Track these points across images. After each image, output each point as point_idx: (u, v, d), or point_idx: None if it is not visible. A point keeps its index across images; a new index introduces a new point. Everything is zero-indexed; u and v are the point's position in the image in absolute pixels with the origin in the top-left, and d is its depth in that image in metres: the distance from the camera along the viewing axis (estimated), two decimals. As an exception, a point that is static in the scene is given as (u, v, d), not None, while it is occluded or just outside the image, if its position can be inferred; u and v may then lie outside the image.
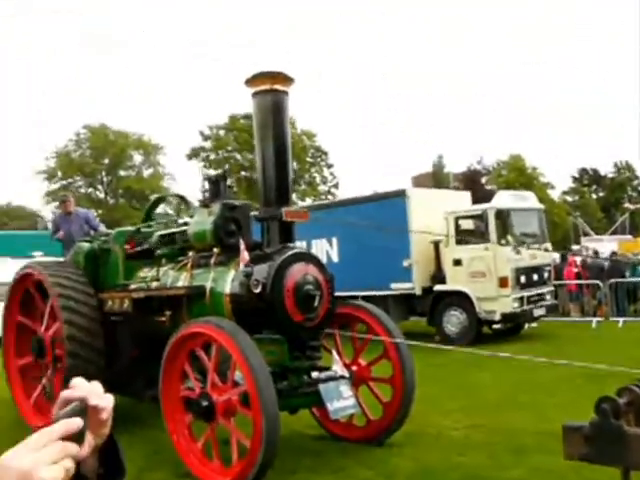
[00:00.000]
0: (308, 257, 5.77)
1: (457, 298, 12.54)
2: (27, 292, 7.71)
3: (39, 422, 7.05)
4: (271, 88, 5.81)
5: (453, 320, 12.61)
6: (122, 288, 7.01)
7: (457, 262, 12.71)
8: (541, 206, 14.08)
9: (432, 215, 12.92)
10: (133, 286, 6.97)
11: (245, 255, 5.44)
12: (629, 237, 41.04)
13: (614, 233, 44.58)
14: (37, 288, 7.48)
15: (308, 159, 49.07)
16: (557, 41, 74.26)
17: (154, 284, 6.65)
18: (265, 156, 5.84)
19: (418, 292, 12.81)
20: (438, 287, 12.77)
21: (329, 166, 46.17)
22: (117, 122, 63.28)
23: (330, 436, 6.40)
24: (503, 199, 13.09)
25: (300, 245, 5.91)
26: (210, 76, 70.98)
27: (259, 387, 4.76)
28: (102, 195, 47.29)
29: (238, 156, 46.90)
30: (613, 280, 15.83)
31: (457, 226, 12.91)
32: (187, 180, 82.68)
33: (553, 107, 72.08)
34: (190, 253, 6.35)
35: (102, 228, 9.95)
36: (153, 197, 9.08)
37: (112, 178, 47.79)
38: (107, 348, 6.90)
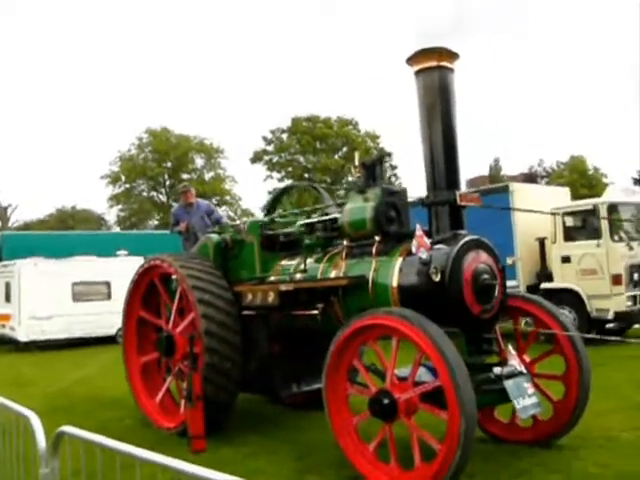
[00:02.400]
0: (483, 245, 5.36)
1: (566, 296, 11.93)
2: (151, 286, 7.44)
3: (168, 423, 6.80)
4: (437, 65, 5.43)
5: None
6: (260, 281, 6.73)
7: (566, 259, 12.13)
8: (651, 201, 13.31)
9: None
10: (272, 278, 6.67)
11: (425, 241, 5.02)
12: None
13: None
14: (163, 281, 7.25)
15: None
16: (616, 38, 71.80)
17: (299, 276, 6.30)
18: (433, 138, 5.46)
19: (523, 290, 12.23)
20: (546, 285, 12.16)
21: (393, 167, 45.83)
22: (179, 125, 64.15)
23: (489, 437, 5.90)
24: (615, 193, 12.41)
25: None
26: (273, 79, 70.89)
27: (457, 383, 4.32)
28: (164, 198, 47.64)
29: (301, 159, 46.88)
30: None
31: (564, 222, 12.28)
32: (250, 183, 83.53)
33: (615, 105, 69.88)
34: (344, 242, 5.94)
35: (224, 220, 9.75)
36: (279, 187, 8.88)
37: (174, 181, 48.16)
38: (243, 345, 6.61)
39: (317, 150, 47.90)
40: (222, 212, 9.77)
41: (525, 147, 72.20)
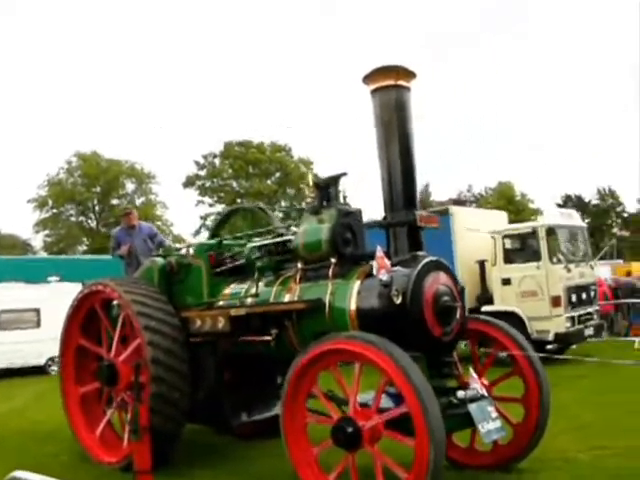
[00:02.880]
0: (442, 266, 5.30)
1: (507, 318, 11.94)
2: (91, 312, 7.12)
3: (109, 458, 6.51)
4: (395, 84, 5.37)
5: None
6: (208, 306, 6.50)
7: (506, 281, 12.29)
8: (584, 224, 13.72)
9: (475, 234, 12.53)
10: (221, 303, 6.46)
11: (386, 262, 4.89)
12: (620, 261, 41.18)
13: (602, 259, 44.79)
14: (104, 308, 6.98)
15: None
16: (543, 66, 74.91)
17: (250, 300, 6.12)
18: (390, 158, 5.40)
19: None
20: (487, 308, 12.27)
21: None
22: (109, 150, 62.99)
23: (449, 463, 5.78)
24: (552, 217, 12.71)
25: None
26: (206, 103, 70.68)
27: (425, 408, 4.19)
28: (94, 224, 46.43)
29: (234, 184, 46.73)
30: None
31: (504, 244, 12.49)
32: (182, 209, 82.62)
33: (539, 133, 72.82)
34: (298, 265, 5.76)
35: (167, 243, 9.47)
36: (224, 210, 8.70)
37: (104, 207, 47.08)
38: (191, 373, 6.36)
39: (250, 175, 47.95)
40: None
41: (454, 172, 74.32)
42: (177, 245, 8.25)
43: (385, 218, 5.44)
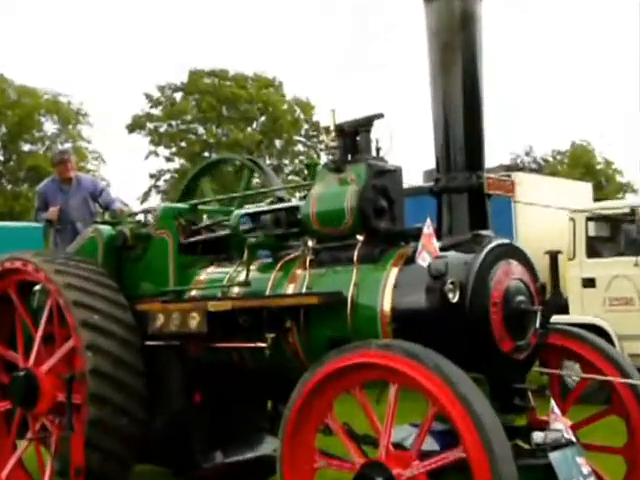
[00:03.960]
0: (516, 253, 5.32)
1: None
2: (1, 301, 7.18)
3: None
4: (461, -12, 5.32)
5: (578, 367, 12.08)
6: (176, 296, 6.58)
7: (588, 283, 12.29)
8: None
9: (547, 213, 12.48)
10: (194, 293, 6.52)
11: (435, 244, 4.87)
12: None
13: None
14: (21, 294, 7.03)
15: (299, 138, 49.22)
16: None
17: (237, 290, 6.19)
18: (448, 96, 5.39)
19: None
20: (559, 317, 12.24)
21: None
22: (23, 74, 62.81)
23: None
24: (658, 193, 12.69)
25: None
26: (164, 18, 71.01)
27: (494, 455, 4.16)
28: (-5, 177, 46.67)
29: (200, 129, 46.72)
30: None
31: (587, 230, 12.48)
32: (125, 163, 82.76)
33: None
34: (309, 243, 5.85)
35: (118, 204, 9.52)
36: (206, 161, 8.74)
37: (10, 154, 47.11)
38: (148, 391, 6.43)
39: (224, 119, 47.92)
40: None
41: (509, 130, 74.54)
42: (132, 209, 8.23)
43: (437, 181, 5.45)
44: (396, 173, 5.84)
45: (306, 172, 7.25)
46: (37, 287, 6.91)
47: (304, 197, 6.13)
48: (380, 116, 5.78)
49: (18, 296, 6.99)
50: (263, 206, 6.61)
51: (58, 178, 9.74)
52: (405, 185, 6.03)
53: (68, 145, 47.24)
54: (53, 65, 69.98)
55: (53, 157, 10.79)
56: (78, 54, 73.45)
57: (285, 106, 48.18)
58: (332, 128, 5.88)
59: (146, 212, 7.31)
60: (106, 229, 7.15)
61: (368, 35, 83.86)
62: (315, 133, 50.04)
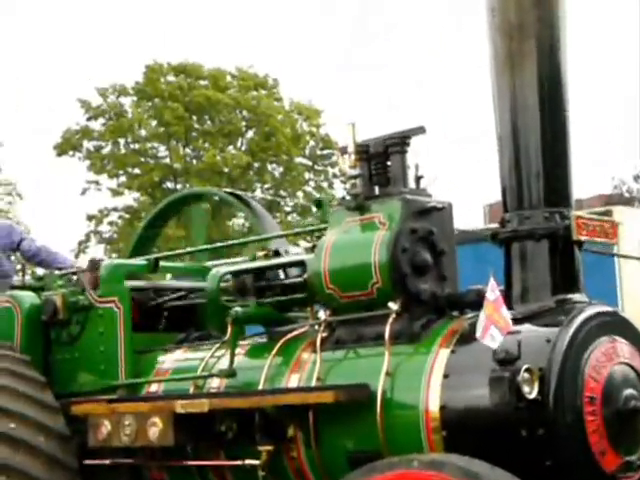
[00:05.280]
0: (621, 324, 5.33)
1: None
2: None
3: None
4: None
5: None
6: (129, 392, 6.69)
7: None
8: None
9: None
10: (154, 388, 6.61)
11: (505, 314, 4.90)
12: None
13: None
14: None
15: (303, 159, 49.23)
16: None
17: (216, 384, 6.27)
18: (519, 100, 5.48)
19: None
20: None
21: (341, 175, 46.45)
22: None
23: None
24: None
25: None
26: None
27: None
28: None
29: (161, 149, 46.83)
30: None
31: None
32: (52, 200, 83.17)
33: None
34: (321, 314, 5.94)
35: (59, 258, 9.48)
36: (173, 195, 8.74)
37: None
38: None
39: (195, 134, 48.00)
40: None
41: (610, 148, 74.83)
42: (62, 269, 8.21)
43: (503, 223, 5.51)
44: (445, 212, 5.88)
45: (314, 210, 7.26)
46: None
47: (312, 248, 6.18)
48: (420, 131, 5.81)
49: None
50: (253, 261, 6.65)
51: None
52: (458, 229, 6.03)
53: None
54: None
55: None
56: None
57: (282, 115, 48.02)
58: (351, 148, 5.89)
59: (83, 272, 7.28)
60: (27, 297, 7.20)
61: (368, 35, 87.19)
62: (325, 152, 50.02)
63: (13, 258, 9.63)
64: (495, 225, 5.70)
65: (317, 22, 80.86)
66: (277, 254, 6.57)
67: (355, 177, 5.87)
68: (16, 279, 8.09)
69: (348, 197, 5.94)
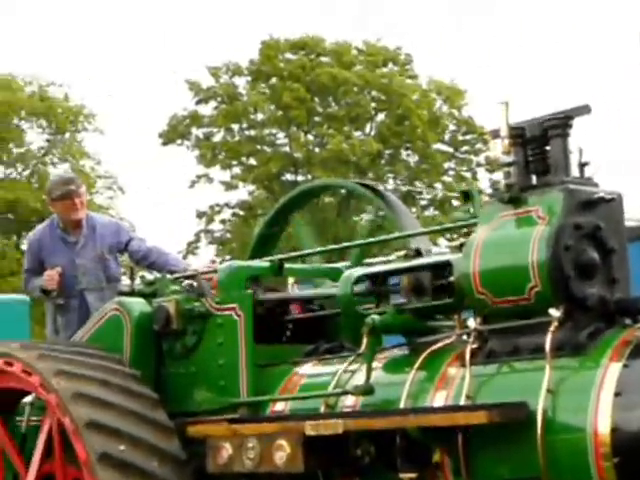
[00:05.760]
0: None
1: None
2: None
3: None
4: None
5: None
6: (252, 411, 6.75)
7: None
8: None
9: None
10: (280, 407, 6.64)
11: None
12: None
13: None
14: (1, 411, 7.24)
15: (442, 146, 49.00)
16: None
17: (350, 402, 6.27)
18: None
19: None
20: None
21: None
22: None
23: None
24: None
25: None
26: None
27: None
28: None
29: (280, 136, 46.95)
30: None
31: None
32: (155, 195, 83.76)
33: None
34: (470, 322, 5.93)
35: (169, 258, 9.56)
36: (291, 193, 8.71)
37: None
38: None
39: (317, 118, 48.02)
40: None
41: None
42: (175, 272, 8.25)
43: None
44: (614, 204, 5.82)
45: (459, 203, 7.23)
46: (26, 399, 7.12)
47: (460, 247, 6.17)
48: (585, 110, 5.77)
49: (-2, 419, 7.15)
50: (390, 262, 6.64)
51: (59, 222, 9.88)
52: (630, 223, 5.95)
53: (64, 167, 48.03)
54: (42, 49, 72.22)
55: (51, 188, 10.58)
56: (80, 33, 75.79)
57: (417, 94, 47.81)
58: (504, 132, 5.87)
59: (198, 276, 7.38)
60: (137, 304, 7.30)
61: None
62: (468, 137, 49.66)
63: (121, 260, 9.74)
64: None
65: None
66: (419, 254, 6.53)
67: (509, 165, 5.84)
68: (124, 284, 8.09)
69: (501, 189, 5.87)
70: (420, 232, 7.18)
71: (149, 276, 8.66)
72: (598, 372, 5.32)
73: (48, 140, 49.25)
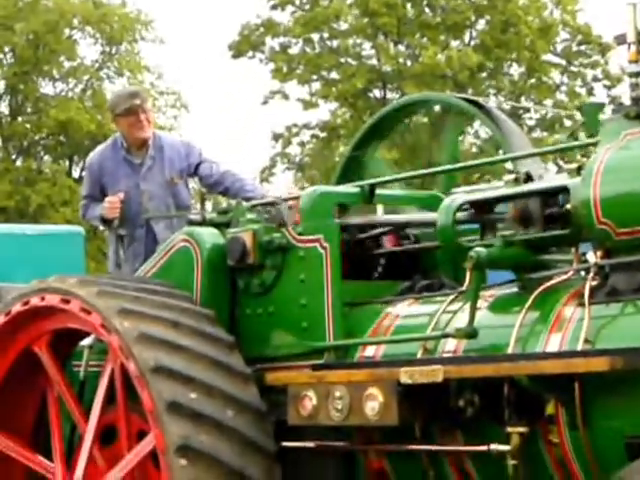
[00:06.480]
0: None
1: None
2: (19, 366, 7.50)
3: None
4: None
5: None
6: (339, 358, 6.79)
7: None
8: None
9: None
10: (371, 352, 6.66)
11: None
12: None
13: None
14: (58, 353, 7.34)
15: (553, 58, 48.70)
16: None
17: (452, 346, 6.27)
18: None
19: None
20: None
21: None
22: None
23: None
24: None
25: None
26: None
27: None
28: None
29: (366, 46, 46.85)
30: None
31: None
32: (226, 112, 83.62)
33: None
34: (590, 256, 5.94)
35: (249, 186, 9.60)
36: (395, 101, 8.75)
37: (22, 101, 48.38)
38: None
39: (408, 27, 47.86)
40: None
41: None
42: (251, 199, 8.27)
43: None
44: None
45: (577, 121, 7.18)
46: (86, 341, 7.25)
47: (578, 170, 6.13)
48: None
49: (52, 357, 7.27)
50: (498, 187, 6.62)
51: (123, 142, 9.96)
52: None
53: (121, 83, 48.29)
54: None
55: (114, 103, 10.72)
56: None
57: (543, 17, 47.36)
58: (631, 37, 5.82)
59: (278, 203, 7.42)
60: (209, 235, 7.36)
61: None
62: (583, 48, 49.19)
63: (192, 185, 9.76)
64: None
65: None
66: (530, 179, 6.48)
67: (637, 75, 5.80)
68: (195, 212, 8.13)
69: (627, 104, 5.83)
70: (531, 153, 7.11)
71: (223, 203, 8.65)
72: None
73: (103, 52, 49.31)
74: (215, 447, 6.33)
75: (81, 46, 49.34)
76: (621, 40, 5.74)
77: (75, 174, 46.76)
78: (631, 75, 5.71)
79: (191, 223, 7.74)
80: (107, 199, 9.45)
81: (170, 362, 6.50)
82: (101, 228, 9.69)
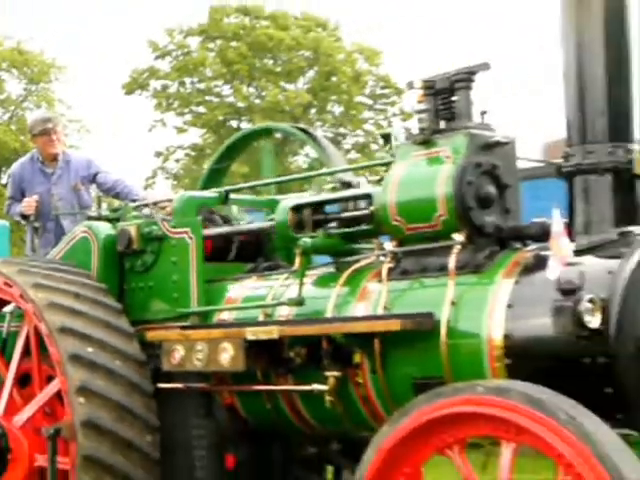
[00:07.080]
0: None
1: None
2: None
3: None
4: None
5: None
6: (201, 319, 6.75)
7: None
8: None
9: None
10: (225, 315, 6.67)
11: (566, 246, 4.84)
12: None
13: None
14: None
15: (363, 99, 49.04)
16: None
17: (286, 312, 6.27)
18: (585, 35, 5.39)
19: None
20: None
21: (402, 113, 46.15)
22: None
23: None
24: None
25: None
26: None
27: None
28: None
29: (225, 88, 46.78)
30: None
31: None
32: (119, 138, 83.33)
33: None
34: (386, 245, 5.92)
35: (134, 191, 9.53)
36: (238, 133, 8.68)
37: None
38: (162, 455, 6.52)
39: (257, 73, 47.85)
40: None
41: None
42: (136, 201, 8.24)
43: (567, 157, 5.41)
44: (509, 147, 5.81)
45: (378, 147, 7.22)
46: (7, 308, 7.13)
47: (379, 181, 6.16)
48: (484, 67, 5.75)
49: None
50: (321, 194, 6.66)
51: (39, 156, 9.78)
52: (520, 164, 5.97)
53: (40, 111, 47.73)
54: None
55: (32, 125, 10.55)
56: None
57: (342, 55, 47.70)
58: (417, 84, 5.87)
59: (156, 204, 7.41)
60: (103, 227, 7.26)
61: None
62: (385, 91, 49.78)
63: (92, 190, 9.71)
64: (558, 161, 5.60)
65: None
66: (349, 186, 6.55)
67: (422, 112, 5.84)
68: (93, 210, 8.11)
69: (415, 132, 5.88)
70: (346, 168, 7.21)
71: (115, 204, 8.65)
72: (493, 287, 5.35)
73: (25, 89, 49.35)
74: (107, 388, 6.28)
75: (8, 83, 49.14)
76: (411, 86, 5.81)
77: (2, 182, 46.32)
78: (418, 112, 5.74)
79: (90, 218, 7.62)
80: (25, 200, 9.35)
81: (72, 324, 6.43)
82: (22, 222, 9.43)
